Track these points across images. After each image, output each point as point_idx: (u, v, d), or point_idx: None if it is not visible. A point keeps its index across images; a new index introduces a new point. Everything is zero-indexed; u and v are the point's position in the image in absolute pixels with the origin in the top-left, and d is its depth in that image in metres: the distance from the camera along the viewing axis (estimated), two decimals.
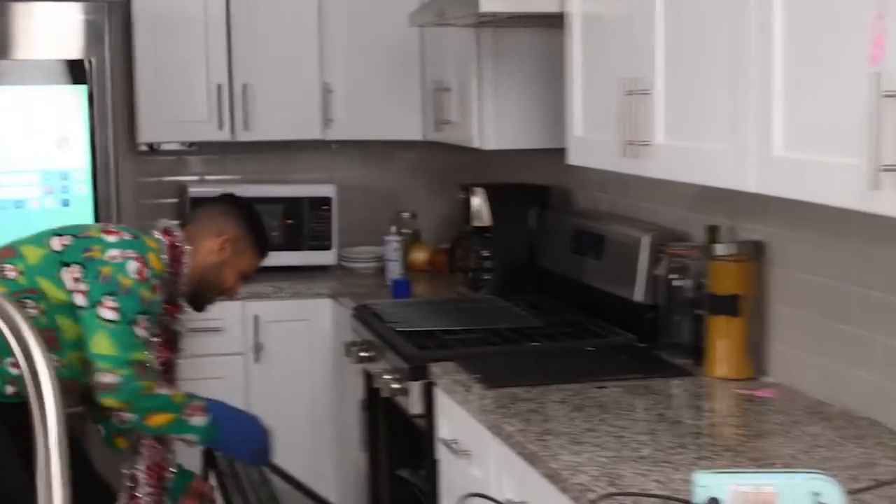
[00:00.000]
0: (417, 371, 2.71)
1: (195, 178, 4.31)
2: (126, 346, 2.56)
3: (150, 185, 4.23)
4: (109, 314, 2.58)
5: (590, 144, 2.53)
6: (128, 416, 2.54)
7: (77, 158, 3.64)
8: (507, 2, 2.70)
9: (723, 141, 1.94)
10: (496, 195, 3.55)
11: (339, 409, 3.75)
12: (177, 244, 2.73)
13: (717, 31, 1.94)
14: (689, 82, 2.06)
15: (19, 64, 3.50)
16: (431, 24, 3.28)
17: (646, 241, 2.80)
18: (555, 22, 2.63)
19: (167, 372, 2.69)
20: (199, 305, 2.81)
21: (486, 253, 3.57)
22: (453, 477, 2.52)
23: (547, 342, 2.84)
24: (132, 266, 2.60)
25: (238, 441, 2.68)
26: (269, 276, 3.88)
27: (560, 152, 2.75)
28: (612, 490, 1.79)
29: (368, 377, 3.16)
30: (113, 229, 2.67)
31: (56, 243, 2.63)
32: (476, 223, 3.57)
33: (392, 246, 4.04)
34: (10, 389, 2.50)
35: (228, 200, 2.86)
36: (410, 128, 3.93)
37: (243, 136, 3.95)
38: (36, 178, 3.66)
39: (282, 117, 3.95)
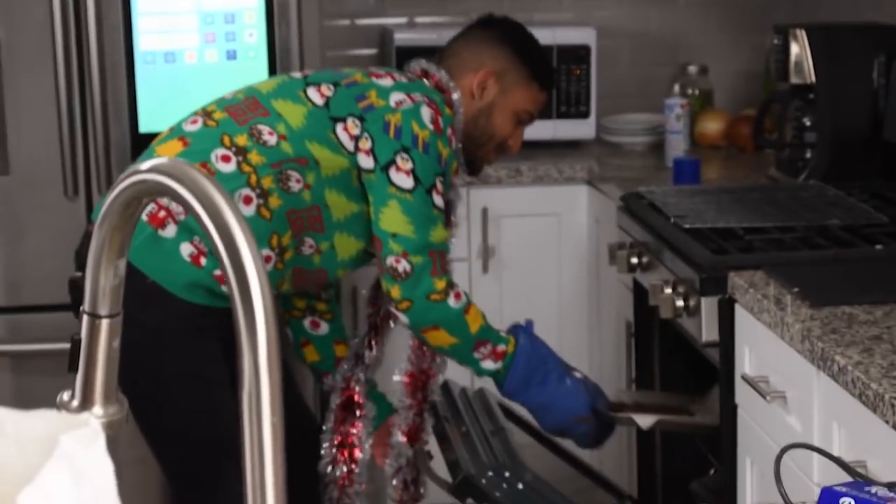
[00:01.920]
0: (712, 283, 2.47)
1: (401, 20, 4.08)
2: (424, 223, 2.44)
3: (342, 30, 4.06)
4: (403, 179, 2.43)
5: None
6: (404, 318, 2.46)
7: None
8: None
9: None
10: (824, 39, 3.25)
11: (597, 337, 3.57)
12: (446, 88, 2.58)
13: None
14: None
15: None
16: None
17: None
18: None
19: None
20: (472, 165, 2.69)
21: (808, 121, 3.30)
22: (759, 427, 2.33)
23: (895, 244, 2.58)
24: (426, 113, 2.47)
25: (548, 404, 2.57)
26: (503, 155, 3.60)
27: None
28: None
29: (640, 292, 2.97)
30: (378, 71, 2.58)
31: (315, 95, 2.51)
32: (794, 80, 3.29)
33: (674, 113, 3.69)
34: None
35: (486, 24, 2.73)
36: None
37: None
38: (192, 22, 3.43)
39: None
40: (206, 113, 2.53)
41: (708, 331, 2.49)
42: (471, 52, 2.66)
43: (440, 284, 2.44)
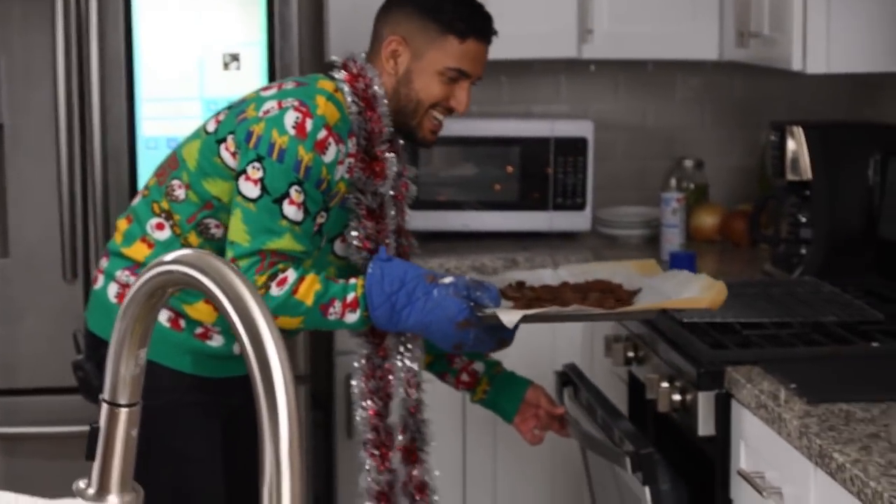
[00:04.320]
0: (709, 377, 2.45)
1: None
2: (261, 234, 2.33)
3: None
4: (250, 189, 2.32)
5: None
6: None
7: (249, 79, 3.40)
8: None
9: None
10: (821, 138, 3.24)
11: None
12: (361, 74, 2.43)
13: None
14: None
15: None
16: None
17: None
18: None
19: (374, 253, 2.44)
20: (413, 138, 2.50)
21: (804, 218, 3.28)
22: None
23: (891, 342, 2.56)
24: (290, 118, 2.33)
25: (424, 325, 2.38)
26: (496, 245, 3.69)
27: None
28: None
29: (635, 385, 2.94)
30: (274, 84, 2.46)
31: (211, 124, 2.44)
32: (791, 176, 3.28)
33: (670, 206, 3.67)
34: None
35: None
36: (700, 43, 3.65)
37: None
38: (195, 108, 3.41)
39: (523, 27, 3.62)
40: (145, 185, 2.51)
41: (704, 425, 2.46)
42: (378, 26, 2.53)
43: (261, 280, 2.33)
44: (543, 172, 3.67)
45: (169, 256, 1.07)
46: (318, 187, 2.34)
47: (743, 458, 2.36)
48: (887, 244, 3.09)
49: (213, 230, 2.40)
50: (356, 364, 2.51)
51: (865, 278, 3.07)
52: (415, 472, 2.53)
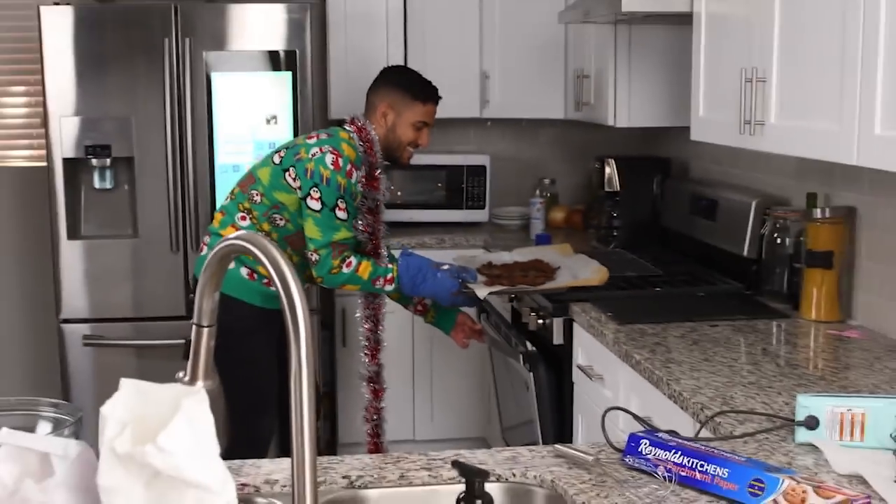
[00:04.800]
0: (560, 309, 2.71)
1: None
2: (328, 229, 2.62)
3: None
4: (315, 204, 2.63)
5: (711, 123, 2.52)
6: (326, 286, 2.62)
7: (283, 131, 3.68)
8: (645, 1, 2.70)
9: (830, 121, 1.91)
10: (625, 165, 3.56)
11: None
12: (363, 127, 2.71)
13: (829, 26, 1.91)
14: (801, 71, 2.04)
15: (237, 54, 3.54)
16: (577, 22, 3.26)
17: (753, 205, 2.79)
18: (684, 20, 2.61)
19: (373, 236, 2.71)
20: (397, 163, 2.80)
21: (615, 213, 3.58)
22: (587, 397, 2.55)
23: (668, 288, 2.85)
24: (329, 158, 2.61)
25: (433, 293, 2.71)
26: (433, 230, 3.91)
27: (681, 130, 2.79)
28: (726, 408, 1.78)
29: (517, 315, 3.12)
30: (313, 134, 2.70)
31: (276, 158, 2.69)
32: (607, 188, 3.57)
33: (535, 206, 4.01)
34: None
35: (379, 74, 2.82)
36: (554, 108, 3.92)
37: None
38: (249, 147, 3.69)
39: (446, 99, 3.67)
40: (231, 191, 2.69)
41: (557, 337, 2.70)
42: (372, 95, 2.76)
43: (336, 262, 2.58)
44: (460, 186, 4.07)
45: (233, 235, 1.10)
46: (352, 198, 2.62)
47: (580, 357, 2.60)
48: (665, 229, 3.37)
49: (279, 221, 2.64)
50: (360, 300, 2.79)
51: (653, 250, 3.39)
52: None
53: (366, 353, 2.81)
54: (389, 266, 2.66)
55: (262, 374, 2.65)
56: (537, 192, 4.14)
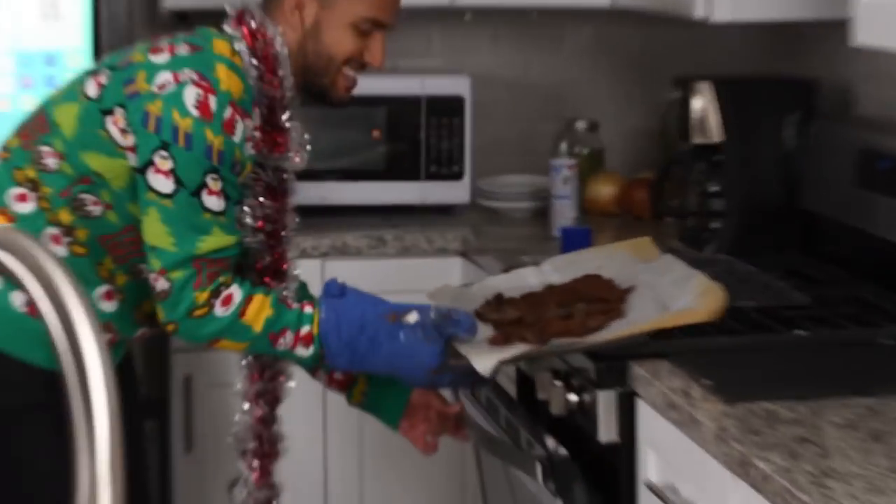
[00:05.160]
0: (610, 374, 2.23)
1: None
2: (187, 233, 2.17)
3: None
4: (163, 181, 2.16)
5: (892, 12, 2.20)
6: (185, 340, 2.36)
7: (71, 34, 3.06)
8: None
9: None
10: (732, 95, 2.96)
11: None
12: (258, 31, 2.26)
13: None
14: None
15: None
16: None
17: None
18: None
19: (273, 240, 2.26)
20: (325, 99, 2.35)
21: (714, 187, 2.96)
22: None
23: (819, 329, 2.37)
24: (190, 94, 2.17)
25: (393, 369, 2.24)
26: (361, 221, 3.34)
27: (834, 28, 2.44)
28: None
29: (525, 382, 2.65)
30: (163, 44, 2.29)
31: (91, 87, 2.26)
32: (698, 139, 2.97)
33: (561, 174, 3.27)
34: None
35: None
36: None
37: None
38: (9, 64, 3.07)
39: None
40: (4, 144, 2.37)
41: (606, 430, 2.23)
42: None
43: (202, 297, 2.20)
44: (414, 137, 3.50)
45: None
46: (233, 171, 2.23)
47: (652, 468, 2.22)
48: (811, 217, 2.98)
49: (90, 207, 2.24)
50: (243, 362, 2.40)
51: (787, 256, 2.97)
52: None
53: (250, 466, 2.36)
54: (307, 310, 2.26)
55: (43, 499, 2.30)
56: (564, 147, 3.50)
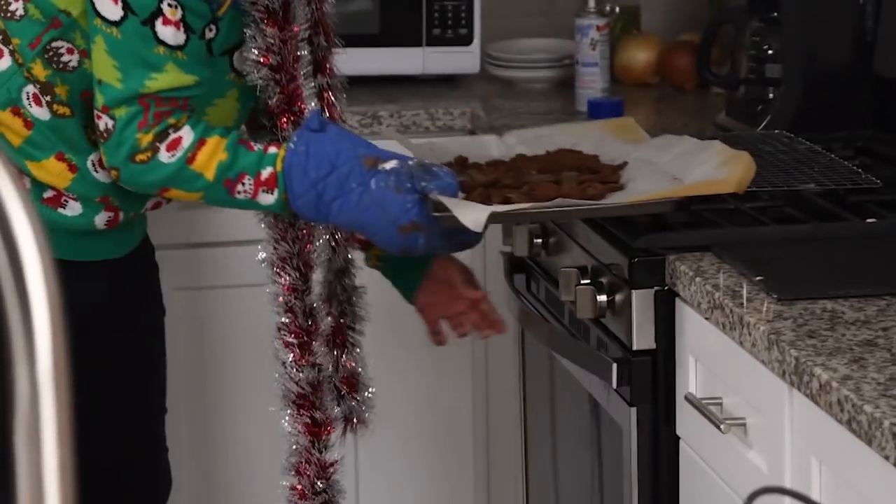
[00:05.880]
0: (646, 269, 2.07)
1: None
2: (135, 67, 2.01)
3: None
4: (108, 7, 2.01)
5: None
6: (133, 190, 2.19)
7: None
8: None
9: None
10: None
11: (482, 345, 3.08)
12: None
13: None
14: None
15: None
16: None
17: None
18: None
19: (284, 74, 2.03)
20: None
21: (771, 50, 2.75)
22: (708, 468, 2.06)
23: (892, 217, 2.23)
24: None
25: (360, 224, 2.06)
26: (351, 95, 2.72)
27: None
28: None
29: (548, 280, 2.51)
30: None
31: None
32: None
33: (588, 37, 3.04)
34: None
35: None
36: None
37: None
38: None
39: None
40: None
41: (641, 335, 2.06)
42: None
43: (145, 139, 2.03)
44: None
45: None
46: None
47: (693, 379, 2.09)
48: (886, 84, 2.77)
49: (66, 56, 2.11)
50: (262, 225, 2.27)
51: (856, 131, 2.76)
52: (342, 360, 2.33)
53: (288, 344, 2.11)
54: (271, 150, 2.09)
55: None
56: (592, 4, 3.23)
